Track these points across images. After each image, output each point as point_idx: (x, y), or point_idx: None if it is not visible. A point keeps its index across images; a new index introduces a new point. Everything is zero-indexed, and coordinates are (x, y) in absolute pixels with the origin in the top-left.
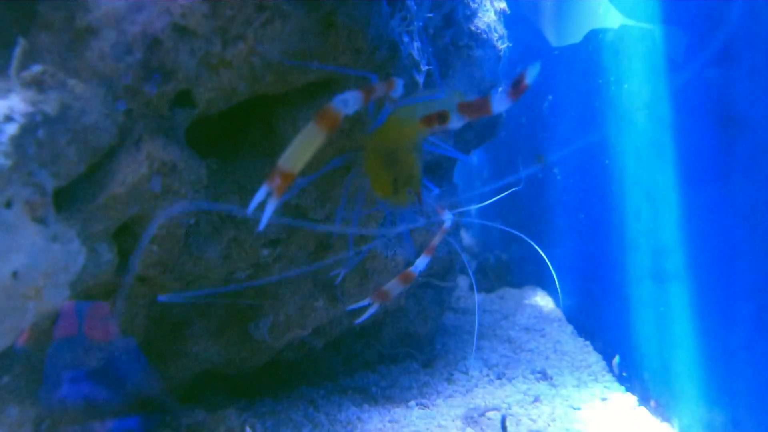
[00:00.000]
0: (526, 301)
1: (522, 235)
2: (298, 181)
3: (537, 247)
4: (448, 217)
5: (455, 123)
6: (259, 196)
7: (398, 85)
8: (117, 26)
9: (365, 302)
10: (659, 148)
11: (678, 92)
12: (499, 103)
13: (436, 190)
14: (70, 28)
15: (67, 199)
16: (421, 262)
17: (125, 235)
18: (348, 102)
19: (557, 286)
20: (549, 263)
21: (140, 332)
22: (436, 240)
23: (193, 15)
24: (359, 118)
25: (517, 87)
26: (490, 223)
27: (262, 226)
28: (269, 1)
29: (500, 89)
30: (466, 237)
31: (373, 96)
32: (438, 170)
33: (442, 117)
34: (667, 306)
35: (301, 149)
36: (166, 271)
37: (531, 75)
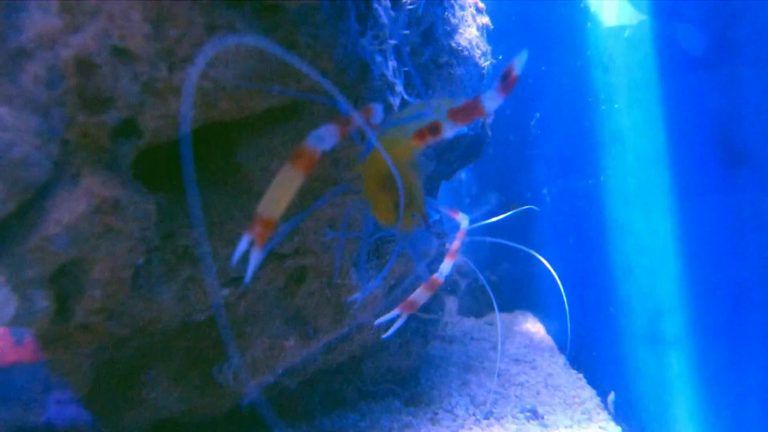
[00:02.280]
0: (516, 328)
1: (531, 251)
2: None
3: (545, 261)
4: (464, 218)
5: (448, 132)
6: (242, 247)
7: (377, 111)
8: (52, 48)
9: (394, 314)
10: (651, 171)
11: (675, 122)
12: (491, 102)
13: (442, 211)
14: (1, 50)
15: None
16: (446, 268)
17: (63, 279)
18: (323, 138)
19: (566, 306)
20: (558, 279)
21: (86, 383)
22: (457, 244)
23: (133, 36)
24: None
25: (506, 80)
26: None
27: (247, 278)
28: (221, 20)
29: (491, 87)
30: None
31: (350, 127)
32: None
33: (435, 128)
34: (665, 341)
35: (279, 193)
36: (111, 317)
37: (519, 65)
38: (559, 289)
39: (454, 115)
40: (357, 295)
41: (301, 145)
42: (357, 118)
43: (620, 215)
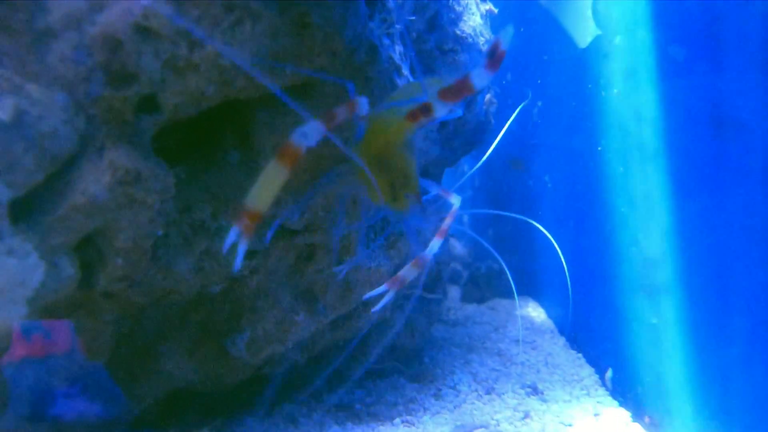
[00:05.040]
0: (518, 312)
1: (532, 221)
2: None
3: (545, 231)
4: (456, 199)
5: (440, 111)
6: (231, 237)
7: (362, 104)
8: (78, 28)
9: (382, 289)
10: (649, 153)
11: (668, 95)
12: (480, 79)
13: (434, 191)
14: (29, 30)
15: (24, 211)
16: (435, 245)
17: (88, 248)
18: (308, 134)
19: (569, 285)
20: (558, 249)
21: (107, 350)
22: (448, 222)
23: (156, 16)
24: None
25: (494, 56)
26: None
27: (236, 267)
28: (238, 0)
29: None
30: (458, 246)
31: (335, 122)
32: (425, 177)
33: (426, 109)
34: (660, 317)
35: (265, 187)
36: (132, 286)
37: (505, 40)
38: (560, 275)
39: (444, 94)
40: (342, 266)
41: (286, 142)
42: (341, 112)
43: (619, 200)
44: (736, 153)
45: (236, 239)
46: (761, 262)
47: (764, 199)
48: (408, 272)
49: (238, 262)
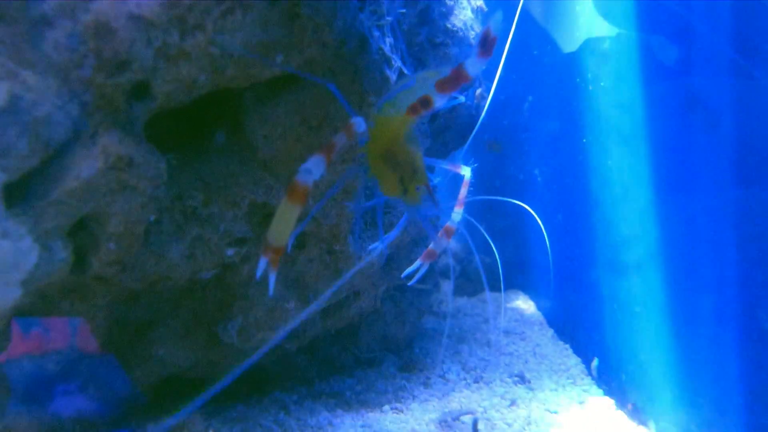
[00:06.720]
0: (508, 305)
1: (520, 203)
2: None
3: (531, 210)
4: (466, 170)
5: (438, 102)
6: (261, 266)
7: (359, 124)
8: (72, 16)
9: (417, 264)
10: (631, 141)
11: (648, 88)
12: (473, 67)
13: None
14: (25, 18)
15: (19, 195)
16: (457, 215)
17: (81, 233)
18: (312, 170)
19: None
20: (544, 230)
21: (100, 335)
22: (463, 192)
23: (148, 4)
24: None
25: (485, 44)
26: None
27: (270, 293)
28: None
29: (471, 53)
30: (451, 241)
31: (335, 151)
32: None
33: (426, 102)
34: (643, 306)
35: (282, 224)
36: (124, 270)
37: (495, 26)
38: (546, 267)
39: (442, 86)
40: (377, 244)
41: (293, 182)
42: (340, 139)
43: (606, 194)
44: (706, 138)
45: (265, 267)
46: (726, 246)
47: (734, 186)
48: (438, 245)
49: (271, 289)
